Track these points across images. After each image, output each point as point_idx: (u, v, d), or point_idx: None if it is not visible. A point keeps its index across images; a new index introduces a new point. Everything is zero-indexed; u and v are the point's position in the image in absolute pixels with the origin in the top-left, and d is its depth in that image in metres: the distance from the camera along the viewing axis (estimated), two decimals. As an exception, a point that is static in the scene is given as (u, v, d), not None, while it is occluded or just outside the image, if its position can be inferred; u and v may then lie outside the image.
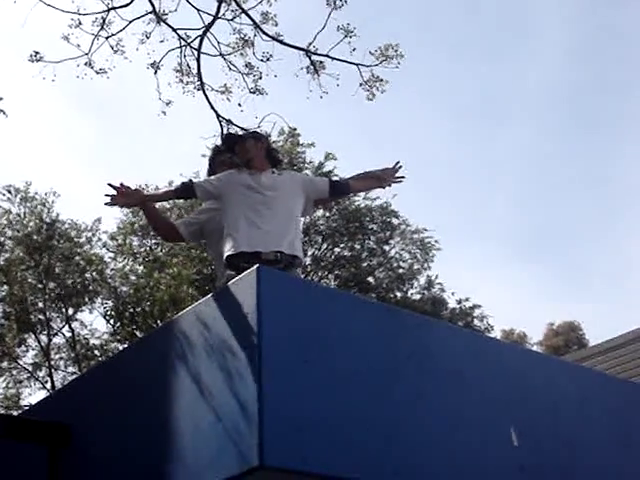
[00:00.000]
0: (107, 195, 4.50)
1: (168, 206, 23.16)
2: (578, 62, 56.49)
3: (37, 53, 14.58)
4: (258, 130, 5.27)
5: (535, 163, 57.44)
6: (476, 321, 26.69)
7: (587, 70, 54.63)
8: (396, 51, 15.38)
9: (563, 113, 57.69)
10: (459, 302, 26.78)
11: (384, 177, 5.01)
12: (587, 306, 58.39)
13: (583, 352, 13.46)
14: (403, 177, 5.04)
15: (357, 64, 15.28)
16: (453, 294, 26.63)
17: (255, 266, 3.45)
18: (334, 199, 6.81)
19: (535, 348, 40.50)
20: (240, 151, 4.84)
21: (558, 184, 58.99)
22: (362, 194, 24.12)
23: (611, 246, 61.45)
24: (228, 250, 4.41)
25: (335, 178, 5.29)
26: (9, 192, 22.92)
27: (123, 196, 4.56)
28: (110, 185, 4.51)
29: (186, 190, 4.71)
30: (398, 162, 5.02)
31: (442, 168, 49.64)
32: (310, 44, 15.31)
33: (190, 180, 4.75)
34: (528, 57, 52.56)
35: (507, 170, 56.91)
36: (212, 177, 4.87)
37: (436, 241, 25.23)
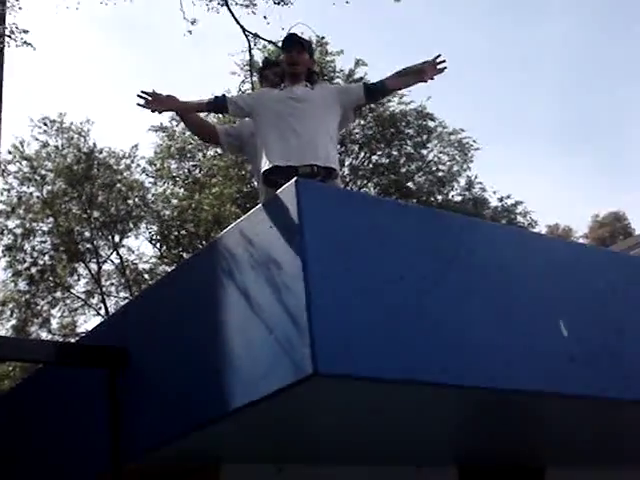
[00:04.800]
0: (139, 96, 4.51)
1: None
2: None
3: (59, -18, 14.45)
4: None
5: (576, 52, 56.21)
6: (519, 218, 26.56)
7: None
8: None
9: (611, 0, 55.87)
10: (501, 200, 26.63)
11: (425, 70, 4.76)
12: (632, 195, 57.70)
13: (629, 241, 13.34)
14: (445, 67, 4.78)
15: (381, -38, 14.92)
16: (495, 192, 26.49)
17: (293, 179, 3.46)
18: (373, 102, 6.61)
19: (581, 241, 40.27)
20: (294, 58, 4.76)
21: (601, 71, 57.78)
22: (396, 99, 23.88)
23: (655, 133, 60.26)
24: (263, 166, 4.42)
25: (371, 81, 5.08)
26: (45, 124, 23.04)
27: (156, 102, 4.56)
28: (142, 92, 4.52)
29: (218, 104, 4.68)
30: (439, 55, 4.77)
31: (479, 65, 48.86)
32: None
33: (223, 95, 4.71)
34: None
35: (547, 62, 55.84)
36: (245, 93, 4.84)
37: (474, 141, 24.98)
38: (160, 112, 4.66)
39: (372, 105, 23.13)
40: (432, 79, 4.79)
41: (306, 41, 5.03)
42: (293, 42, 4.85)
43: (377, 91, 4.92)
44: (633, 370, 4.16)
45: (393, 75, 4.82)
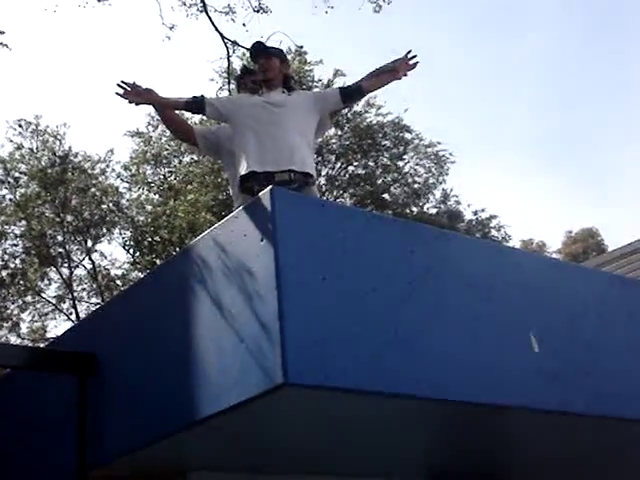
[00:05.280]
0: (119, 85, 4.48)
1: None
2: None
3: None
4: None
5: (554, 69, 56.60)
6: (493, 232, 26.75)
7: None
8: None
9: (582, 15, 56.40)
10: (475, 213, 26.81)
11: (397, 68, 4.79)
12: (605, 211, 58.20)
13: (602, 257, 13.40)
14: (417, 63, 4.82)
15: (361, -26, 14.96)
16: (469, 206, 26.66)
17: (269, 187, 3.45)
18: (349, 105, 6.67)
19: (554, 256, 40.50)
20: (264, 65, 4.76)
21: (579, 90, 58.19)
22: (373, 110, 23.97)
23: (630, 151, 60.87)
24: (240, 171, 4.40)
25: (346, 84, 5.09)
26: (20, 126, 22.86)
27: (134, 94, 4.53)
28: (122, 82, 4.50)
29: (197, 104, 4.64)
30: (410, 51, 4.81)
31: (457, 79, 49.01)
32: (313, -43, 14.99)
33: (202, 95, 4.69)
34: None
35: (525, 78, 56.11)
36: (223, 97, 4.82)
37: (450, 154, 25.11)
38: (137, 104, 4.63)
39: (349, 116, 23.21)
40: (405, 75, 4.83)
41: (273, 48, 5.04)
42: (258, 51, 4.86)
43: (353, 94, 4.93)
44: (603, 386, 4.18)
45: (367, 76, 4.84)
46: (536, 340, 3.97)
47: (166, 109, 5.00)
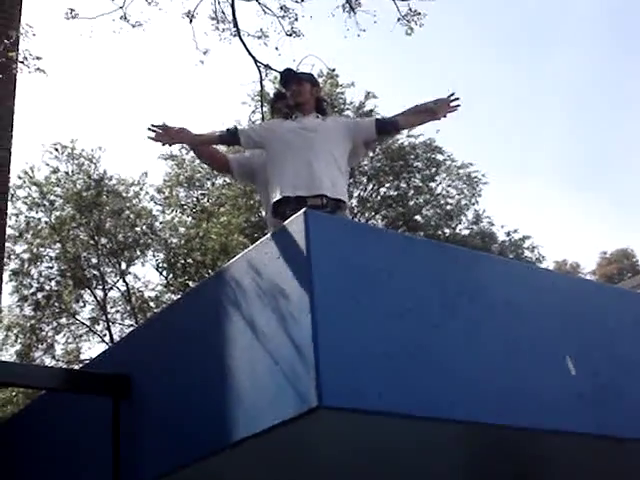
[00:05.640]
0: (150, 129, 4.50)
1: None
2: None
3: (72, 10, 14.49)
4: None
5: (586, 88, 56.36)
6: (527, 252, 26.54)
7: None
8: (433, -19, 15.02)
9: (617, 34, 56.15)
10: (508, 234, 26.63)
11: (438, 110, 4.76)
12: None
13: (637, 279, 13.26)
14: (459, 105, 4.78)
15: (394, -2, 14.99)
16: (502, 227, 26.50)
17: (302, 210, 3.46)
18: (383, 138, 6.65)
19: (588, 277, 40.14)
20: (295, 91, 4.78)
21: (612, 109, 57.91)
22: (405, 132, 23.97)
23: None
24: (273, 197, 4.42)
25: (382, 116, 5.07)
26: (56, 150, 23.12)
27: (167, 135, 4.54)
28: (153, 125, 4.51)
29: (230, 136, 4.66)
30: (453, 93, 4.77)
31: (489, 100, 49.02)
32: (345, -20, 15.06)
33: (235, 127, 4.70)
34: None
35: (557, 97, 55.99)
36: (256, 124, 4.85)
37: (483, 175, 24.99)
38: (171, 145, 4.64)
39: (381, 138, 23.15)
40: (445, 117, 4.79)
41: (303, 73, 5.06)
42: (289, 77, 4.88)
43: (388, 128, 4.90)
44: (641, 409, 4.12)
45: (406, 112, 4.81)
46: (572, 362, 3.93)
47: (200, 146, 5.01)
